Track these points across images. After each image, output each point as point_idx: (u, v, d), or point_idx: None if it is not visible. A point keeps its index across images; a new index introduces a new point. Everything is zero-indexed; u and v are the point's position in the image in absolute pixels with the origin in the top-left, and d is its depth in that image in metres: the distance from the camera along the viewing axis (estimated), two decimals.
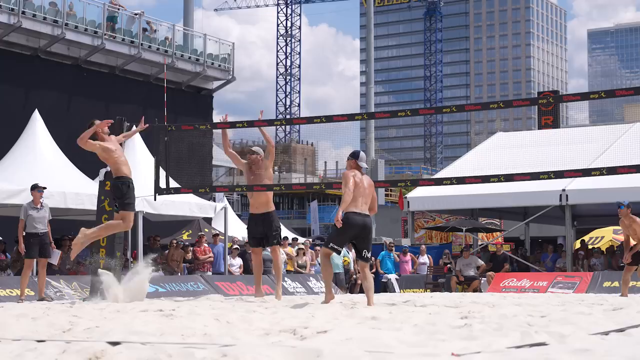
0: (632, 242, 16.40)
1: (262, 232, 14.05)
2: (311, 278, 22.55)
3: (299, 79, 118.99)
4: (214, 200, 25.85)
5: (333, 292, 11.23)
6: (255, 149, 14.39)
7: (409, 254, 25.65)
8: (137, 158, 18.87)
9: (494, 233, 29.93)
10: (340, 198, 11.48)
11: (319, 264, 18.86)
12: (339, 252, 12.14)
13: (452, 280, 23.13)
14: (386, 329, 6.96)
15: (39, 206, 15.01)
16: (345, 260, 24.37)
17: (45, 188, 15.29)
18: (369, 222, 11.42)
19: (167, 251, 21.80)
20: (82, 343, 5.53)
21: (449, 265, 24.85)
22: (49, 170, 19.15)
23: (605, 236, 32.97)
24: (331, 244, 11.52)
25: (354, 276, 24.79)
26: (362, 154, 11.71)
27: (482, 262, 23.70)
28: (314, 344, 5.64)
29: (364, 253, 11.59)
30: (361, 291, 18.58)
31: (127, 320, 8.11)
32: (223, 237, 22.70)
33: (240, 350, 4.98)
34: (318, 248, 23.50)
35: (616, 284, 20.60)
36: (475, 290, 22.21)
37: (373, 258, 24.15)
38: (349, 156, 11.80)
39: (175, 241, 22.51)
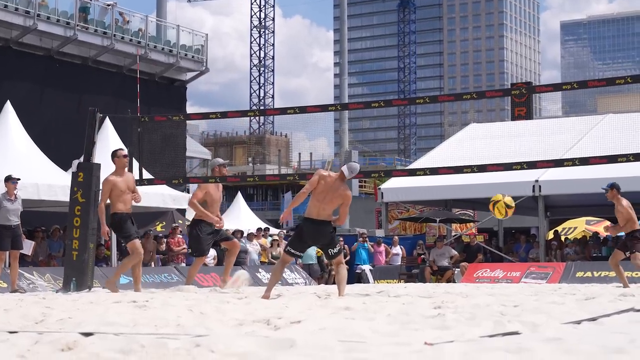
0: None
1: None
2: (285, 269, 22.53)
3: (273, 70, 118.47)
4: (188, 192, 25.75)
5: (271, 293, 11.19)
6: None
7: (382, 244, 25.67)
8: (109, 149, 18.74)
9: (467, 224, 30.02)
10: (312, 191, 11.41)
11: None
12: (299, 257, 12.18)
13: (426, 270, 23.18)
14: (360, 319, 6.98)
15: (13, 198, 14.92)
16: (318, 252, 24.39)
17: (19, 179, 15.20)
18: (324, 229, 11.33)
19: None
20: (54, 334, 5.51)
21: (422, 256, 24.89)
22: (22, 161, 19.02)
23: (578, 227, 33.18)
24: (289, 249, 11.60)
25: (330, 267, 24.82)
26: (353, 165, 11.64)
27: (456, 253, 23.77)
28: (287, 334, 5.64)
29: (329, 252, 11.62)
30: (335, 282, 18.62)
31: (100, 311, 8.09)
32: None
33: (213, 340, 4.97)
34: None
35: (589, 274, 20.71)
36: (449, 281, 22.27)
37: (346, 247, 24.20)
38: None
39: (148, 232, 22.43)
